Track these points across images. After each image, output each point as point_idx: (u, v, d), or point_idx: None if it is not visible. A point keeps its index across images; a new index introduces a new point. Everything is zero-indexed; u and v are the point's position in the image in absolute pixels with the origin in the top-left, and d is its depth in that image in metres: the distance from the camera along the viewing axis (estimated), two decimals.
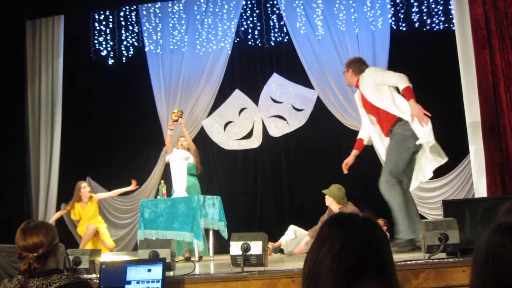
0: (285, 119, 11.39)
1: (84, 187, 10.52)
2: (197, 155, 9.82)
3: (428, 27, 10.86)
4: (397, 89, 7.22)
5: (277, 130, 11.47)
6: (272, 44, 11.66)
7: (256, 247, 5.40)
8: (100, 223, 10.57)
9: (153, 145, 11.76)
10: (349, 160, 7.79)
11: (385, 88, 7.25)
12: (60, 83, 12.05)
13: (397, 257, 5.86)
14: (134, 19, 12.27)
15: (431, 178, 10.52)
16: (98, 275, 5.08)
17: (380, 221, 9.75)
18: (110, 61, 12.17)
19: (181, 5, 12.06)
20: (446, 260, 5.16)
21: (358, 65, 7.59)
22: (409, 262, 5.09)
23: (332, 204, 8.72)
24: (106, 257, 8.54)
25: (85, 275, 5.57)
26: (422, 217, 9.34)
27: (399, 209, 6.94)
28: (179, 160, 8.88)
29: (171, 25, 12.08)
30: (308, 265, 1.93)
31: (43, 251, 3.45)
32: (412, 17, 10.98)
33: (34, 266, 3.43)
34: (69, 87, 12.15)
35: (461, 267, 4.87)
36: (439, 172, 10.51)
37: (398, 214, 6.97)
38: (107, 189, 11.73)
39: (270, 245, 9.31)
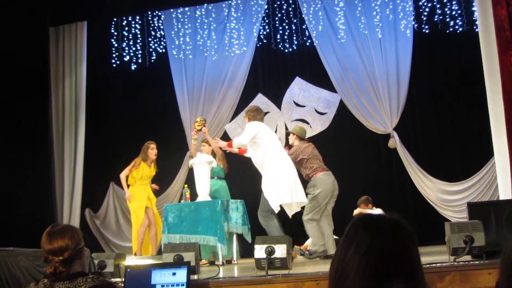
0: (308, 123, 11.35)
1: (153, 148, 10.36)
2: (224, 159, 10.13)
3: (451, 29, 10.79)
4: None
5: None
6: (295, 48, 11.65)
7: (280, 250, 5.39)
8: (154, 201, 10.61)
9: (177, 150, 11.79)
10: None
11: None
12: (84, 89, 12.15)
13: (422, 259, 5.82)
14: (156, 25, 12.31)
15: (455, 181, 10.51)
16: (123, 279, 5.09)
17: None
18: (133, 67, 12.21)
19: (203, 10, 12.08)
20: (471, 262, 5.13)
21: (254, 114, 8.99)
22: (434, 264, 5.06)
23: (295, 141, 9.28)
24: (131, 261, 8.57)
25: (110, 279, 5.59)
26: (447, 220, 9.29)
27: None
28: (203, 164, 8.90)
29: (193, 30, 12.11)
30: (335, 266, 1.92)
31: (69, 254, 3.46)
32: (435, 19, 10.91)
33: (60, 270, 3.43)
34: (93, 93, 12.22)
35: (487, 270, 4.84)
36: (463, 175, 10.46)
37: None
38: None
39: (295, 248, 9.30)
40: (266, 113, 11.60)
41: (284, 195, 8.27)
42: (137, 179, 10.29)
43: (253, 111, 9.06)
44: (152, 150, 10.31)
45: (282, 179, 8.32)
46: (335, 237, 8.78)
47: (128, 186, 10.29)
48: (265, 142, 8.59)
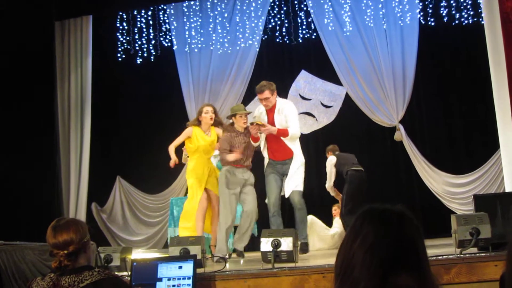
0: (314, 116, 11.34)
1: (207, 111, 8.59)
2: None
3: (456, 21, 10.76)
4: None
5: (307, 127, 11.41)
6: (300, 41, 11.63)
7: (286, 243, 5.40)
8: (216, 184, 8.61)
9: (183, 144, 11.78)
10: None
11: None
12: (89, 83, 12.15)
13: (428, 252, 5.82)
14: (162, 18, 12.31)
15: (462, 173, 10.51)
16: (130, 273, 5.11)
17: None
18: (139, 60, 12.21)
19: (208, 3, 12.07)
20: (477, 255, 5.13)
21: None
22: (441, 257, 5.06)
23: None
24: (137, 254, 8.58)
25: (116, 273, 5.60)
26: (453, 213, 9.29)
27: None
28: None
29: (199, 23, 12.10)
30: (341, 258, 1.92)
31: (74, 248, 3.46)
32: (441, 11, 10.88)
33: (65, 264, 3.44)
34: (98, 87, 12.24)
35: (493, 262, 4.84)
36: (469, 167, 10.45)
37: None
38: (138, 188, 11.87)
39: None
40: None
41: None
42: (193, 151, 8.73)
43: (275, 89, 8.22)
44: (206, 114, 8.57)
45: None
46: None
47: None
48: None
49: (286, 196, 7.97)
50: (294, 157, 8.03)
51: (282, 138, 7.95)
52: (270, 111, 8.11)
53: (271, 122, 8.00)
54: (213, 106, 8.95)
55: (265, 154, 8.30)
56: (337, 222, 10.25)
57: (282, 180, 8.13)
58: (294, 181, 7.92)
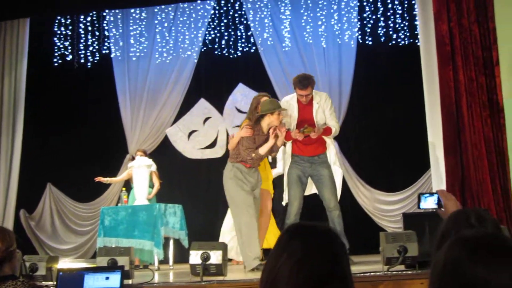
0: None
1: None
2: None
3: (393, 42, 10.96)
4: None
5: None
6: (239, 54, 11.67)
7: (216, 257, 5.39)
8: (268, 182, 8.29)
9: (116, 153, 11.68)
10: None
11: None
12: (23, 88, 11.88)
13: (356, 268, 5.88)
14: (101, 25, 12.18)
15: (392, 191, 10.66)
16: (55, 282, 5.02)
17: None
18: (75, 66, 12.05)
19: (149, 12, 12.01)
20: (404, 272, 5.20)
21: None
22: (368, 274, 5.12)
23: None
24: (64, 264, 8.45)
25: (42, 282, 5.51)
26: (382, 230, 9.40)
27: None
28: (141, 167, 8.84)
29: (138, 31, 12.02)
30: (266, 273, 1.92)
31: None
32: (379, 31, 11.07)
33: None
34: (32, 92, 12.00)
35: (419, 279, 4.92)
36: (400, 186, 10.62)
37: None
38: (69, 196, 11.68)
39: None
40: (207, 118, 11.59)
41: None
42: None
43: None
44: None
45: None
46: None
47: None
48: None
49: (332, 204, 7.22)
50: (329, 149, 7.46)
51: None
52: (305, 106, 7.45)
53: (307, 117, 7.40)
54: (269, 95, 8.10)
55: (288, 148, 7.57)
56: None
57: (306, 183, 7.47)
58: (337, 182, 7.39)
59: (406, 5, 10.96)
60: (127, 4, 11.94)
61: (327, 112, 7.45)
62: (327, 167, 7.40)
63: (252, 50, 11.59)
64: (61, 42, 12.15)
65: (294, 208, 7.24)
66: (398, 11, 11.01)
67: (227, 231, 9.06)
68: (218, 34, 11.76)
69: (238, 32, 11.68)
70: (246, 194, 7.10)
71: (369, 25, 11.12)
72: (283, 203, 7.63)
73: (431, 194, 3.11)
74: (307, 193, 7.70)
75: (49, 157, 11.76)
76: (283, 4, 11.44)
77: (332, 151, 7.50)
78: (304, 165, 7.36)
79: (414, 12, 10.50)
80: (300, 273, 1.83)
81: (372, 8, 11.15)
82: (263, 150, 7.17)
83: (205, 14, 11.77)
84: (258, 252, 6.93)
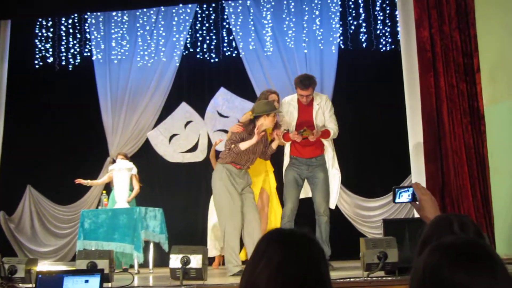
0: None
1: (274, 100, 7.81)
2: None
3: (375, 48, 11.00)
4: None
5: (222, 144, 11.42)
6: (221, 58, 11.65)
7: (196, 261, 5.38)
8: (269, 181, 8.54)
9: (97, 155, 11.62)
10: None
11: None
12: (4, 89, 11.78)
13: (336, 274, 5.89)
14: (82, 28, 12.13)
15: (373, 197, 10.68)
16: (34, 285, 4.99)
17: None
18: (57, 69, 11.99)
19: (131, 15, 11.97)
20: (384, 278, 5.21)
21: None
22: (348, 279, 5.12)
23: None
24: (43, 266, 8.40)
25: (20, 285, 5.48)
26: (363, 236, 9.41)
27: None
28: (122, 171, 8.81)
29: (120, 34, 11.98)
30: (245, 278, 1.91)
31: None
32: (360, 37, 11.10)
33: None
34: (13, 94, 11.91)
35: (399, 285, 4.93)
36: (381, 191, 10.64)
37: None
38: (49, 199, 11.61)
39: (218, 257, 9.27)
40: (188, 122, 11.56)
41: None
42: None
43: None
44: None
45: None
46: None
47: None
48: None
49: (333, 207, 7.57)
50: (327, 152, 7.57)
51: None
52: (305, 107, 7.50)
53: (307, 118, 7.48)
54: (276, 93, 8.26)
55: (286, 149, 7.66)
56: None
57: (303, 185, 7.56)
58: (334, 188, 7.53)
59: (387, 12, 11.01)
60: (108, 7, 11.88)
61: (327, 114, 7.54)
62: (323, 170, 7.57)
63: (234, 55, 11.59)
64: (42, 44, 12.09)
65: (288, 210, 7.36)
66: (379, 17, 11.06)
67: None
68: (200, 38, 11.73)
69: (220, 36, 11.67)
70: (233, 201, 7.05)
71: (351, 31, 11.15)
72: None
73: (407, 189, 3.10)
74: (304, 196, 7.74)
75: (29, 159, 11.69)
76: (265, 9, 11.45)
77: (330, 154, 7.64)
78: (301, 168, 7.45)
79: (396, 19, 10.53)
80: (279, 278, 1.83)
81: (354, 14, 11.19)
82: (243, 145, 7.14)
83: (187, 18, 11.75)
84: (239, 260, 6.94)
